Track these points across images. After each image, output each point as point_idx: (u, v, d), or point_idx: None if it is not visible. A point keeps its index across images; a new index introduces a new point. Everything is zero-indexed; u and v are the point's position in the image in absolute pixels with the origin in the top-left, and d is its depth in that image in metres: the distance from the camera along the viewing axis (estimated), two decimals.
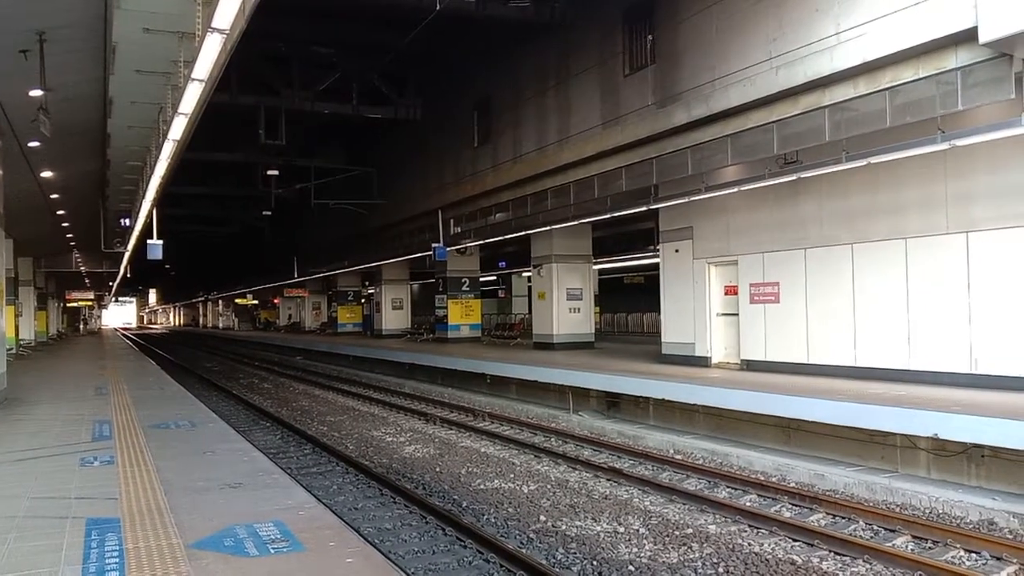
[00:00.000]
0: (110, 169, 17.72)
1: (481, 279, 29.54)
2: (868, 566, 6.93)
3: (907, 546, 7.42)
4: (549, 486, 10.03)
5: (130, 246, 27.10)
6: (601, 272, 33.16)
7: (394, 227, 28.72)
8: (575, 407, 15.33)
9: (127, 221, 24.91)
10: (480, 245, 24.85)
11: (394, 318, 34.71)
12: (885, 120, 9.94)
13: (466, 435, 14.07)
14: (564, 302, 21.50)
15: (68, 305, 58.78)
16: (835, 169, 11.16)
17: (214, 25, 7.05)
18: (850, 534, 7.71)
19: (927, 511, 8.41)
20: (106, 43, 9.63)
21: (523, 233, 20.68)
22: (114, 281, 50.83)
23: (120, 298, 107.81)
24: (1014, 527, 7.73)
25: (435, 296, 28.83)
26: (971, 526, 7.88)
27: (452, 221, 23.69)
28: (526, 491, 9.82)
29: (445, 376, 20.94)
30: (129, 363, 25.45)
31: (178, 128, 10.67)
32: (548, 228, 19.44)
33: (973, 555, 7.10)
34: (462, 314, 27.98)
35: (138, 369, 22.60)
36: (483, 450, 12.61)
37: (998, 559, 6.94)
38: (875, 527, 7.94)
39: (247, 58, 18.03)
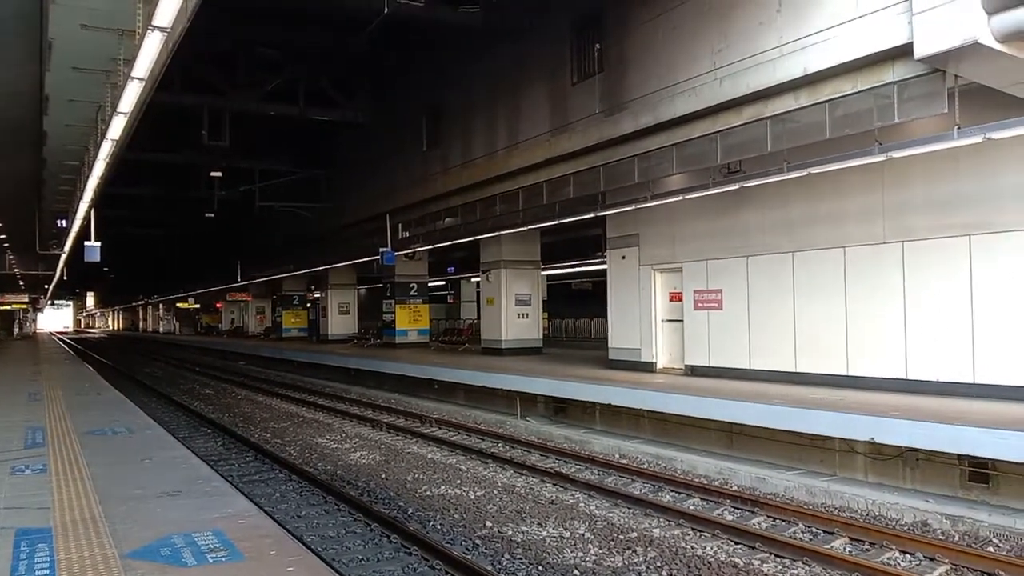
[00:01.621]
0: (46, 168, 17.22)
1: (429, 284, 29.40)
2: (807, 568, 7.07)
3: (845, 548, 7.59)
4: (496, 492, 10.02)
5: (67, 248, 26.36)
6: (550, 278, 33.31)
7: (341, 231, 28.40)
8: (522, 412, 15.35)
9: (64, 222, 24.21)
10: (429, 250, 24.74)
11: (340, 323, 34.33)
12: (825, 131, 10.17)
13: (413, 441, 13.98)
14: (513, 308, 21.52)
15: (1, 308, 56.83)
16: (777, 179, 11.38)
17: (155, 23, 6.91)
18: (790, 537, 7.86)
19: (864, 513, 8.62)
20: (42, 38, 9.35)
21: (472, 238, 20.65)
22: (50, 284, 49.30)
23: (56, 301, 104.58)
24: (946, 528, 7.97)
25: (383, 301, 28.61)
26: (906, 528, 8.11)
27: (400, 226, 23.52)
28: (472, 497, 9.80)
29: (392, 382, 20.78)
30: (65, 368, 24.68)
31: (117, 127, 10.43)
32: (497, 234, 19.45)
33: (908, 556, 7.29)
34: (410, 319, 27.81)
35: (74, 374, 21.93)
36: (430, 456, 12.54)
37: (931, 559, 7.14)
38: (814, 530, 8.11)
39: (191, 57, 17.67)
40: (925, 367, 10.77)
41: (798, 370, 12.42)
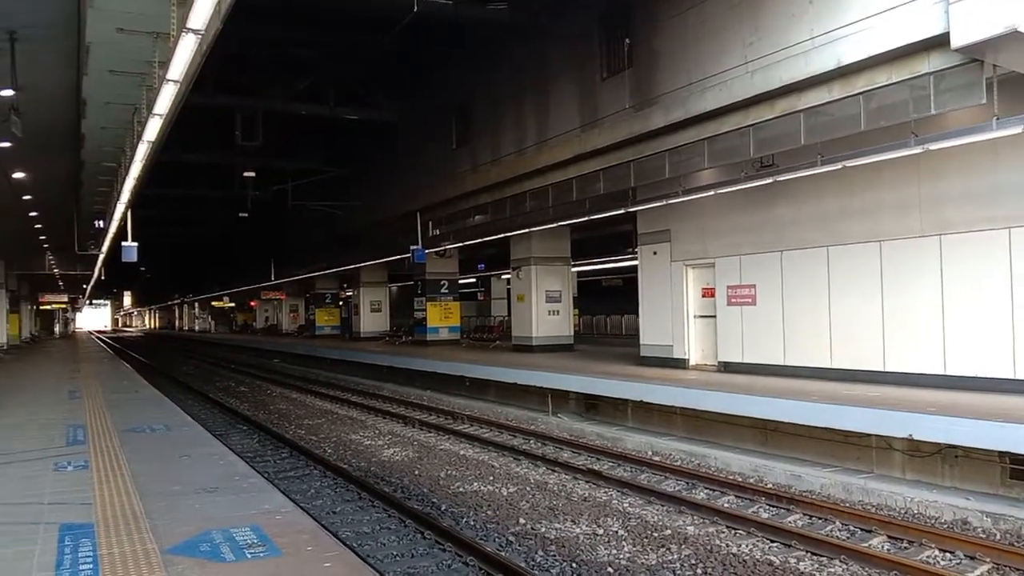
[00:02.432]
0: (84, 170, 17.52)
1: (460, 281, 29.47)
2: (845, 566, 6.99)
3: (883, 546, 7.49)
4: (528, 488, 10.04)
5: (104, 248, 26.78)
6: (580, 274, 33.23)
7: (372, 229, 28.59)
8: (554, 409, 15.35)
9: (101, 223, 24.63)
10: (459, 247, 24.81)
11: (372, 321, 34.56)
12: (859, 124, 10.02)
13: (445, 438, 14.04)
14: (543, 304, 21.51)
15: (41, 308, 57.98)
16: (810, 172, 11.25)
17: (189, 26, 6.99)
18: (827, 535, 7.78)
19: (902, 511, 8.50)
20: (79, 43, 9.52)
21: (502, 235, 20.67)
22: (88, 284, 50.19)
23: (94, 301, 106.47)
24: (987, 526, 7.83)
25: (414, 299, 28.75)
26: (945, 526, 7.98)
27: (431, 223, 23.63)
28: (505, 493, 9.82)
29: (424, 379, 20.88)
30: (103, 366, 25.14)
31: (153, 129, 10.57)
32: (527, 231, 19.45)
33: (948, 555, 7.18)
34: (441, 316, 27.91)
35: (113, 372, 22.33)
36: (462, 453, 12.59)
37: (972, 558, 7.03)
38: (851, 527, 8.01)
39: (223, 59, 17.85)
40: (964, 362, 10.58)
41: (833, 366, 12.27)
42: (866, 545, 7.43)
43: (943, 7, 8.55)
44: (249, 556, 5.00)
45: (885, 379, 11.43)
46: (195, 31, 7.12)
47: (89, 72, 10.20)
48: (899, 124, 9.81)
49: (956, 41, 8.35)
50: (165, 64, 8.43)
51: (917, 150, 9.78)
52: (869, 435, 9.70)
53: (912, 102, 9.41)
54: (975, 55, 8.56)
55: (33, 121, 11.86)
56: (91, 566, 4.87)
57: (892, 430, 9.10)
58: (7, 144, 13.95)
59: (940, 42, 8.74)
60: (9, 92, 10.37)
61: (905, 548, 7.41)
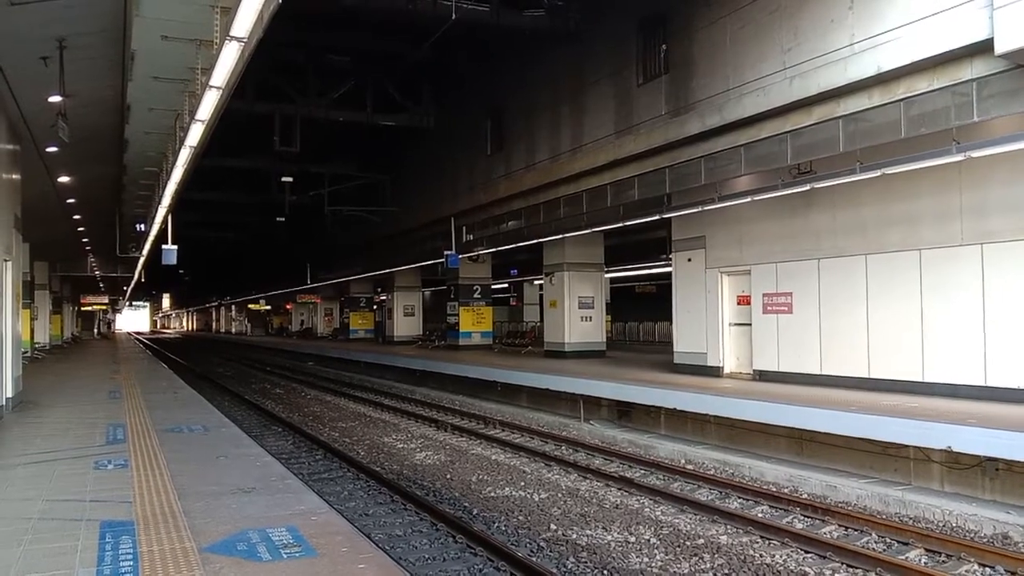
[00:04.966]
0: (127, 174, 17.87)
1: (493, 286, 29.54)
2: None
3: (920, 559, 7.38)
4: (560, 495, 10.03)
5: (145, 251, 27.27)
6: (613, 281, 33.13)
7: (407, 234, 28.80)
8: (586, 416, 15.31)
9: (142, 226, 25.09)
10: (492, 253, 24.86)
11: (406, 325, 34.78)
12: (899, 131, 9.91)
13: (477, 443, 14.08)
14: (576, 310, 21.48)
15: (82, 309, 59.16)
16: (849, 180, 11.13)
17: (232, 33, 7.11)
18: (863, 547, 7.67)
19: (941, 524, 8.36)
20: (125, 50, 9.73)
21: (535, 241, 20.69)
22: (128, 286, 51.13)
23: (134, 303, 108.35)
24: None
25: (447, 303, 28.87)
26: (985, 540, 7.83)
27: (465, 229, 23.72)
28: (537, 499, 9.82)
29: (456, 383, 20.95)
30: (142, 367, 25.58)
31: (195, 135, 10.75)
32: (560, 236, 19.45)
33: (987, 569, 7.05)
34: (474, 321, 28.01)
35: (151, 373, 22.71)
36: (494, 458, 12.61)
37: (1012, 573, 6.89)
38: (888, 540, 7.90)
39: (263, 65, 18.13)
40: (1006, 374, 10.37)
41: (871, 376, 12.10)
42: (903, 558, 7.32)
43: (987, 12, 8.43)
44: (285, 556, 5.07)
45: (924, 390, 11.25)
46: (238, 39, 7.23)
47: (134, 78, 10.42)
48: (940, 131, 9.67)
49: (1000, 47, 8.23)
50: (208, 71, 8.58)
51: (959, 157, 9.63)
52: (907, 446, 9.55)
53: (954, 109, 9.28)
54: (1020, 61, 8.43)
55: (79, 126, 12.12)
56: (131, 563, 4.97)
57: (930, 441, 8.95)
58: (54, 149, 14.28)
59: (983, 48, 8.63)
60: (57, 98, 10.61)
61: (943, 562, 7.29)
